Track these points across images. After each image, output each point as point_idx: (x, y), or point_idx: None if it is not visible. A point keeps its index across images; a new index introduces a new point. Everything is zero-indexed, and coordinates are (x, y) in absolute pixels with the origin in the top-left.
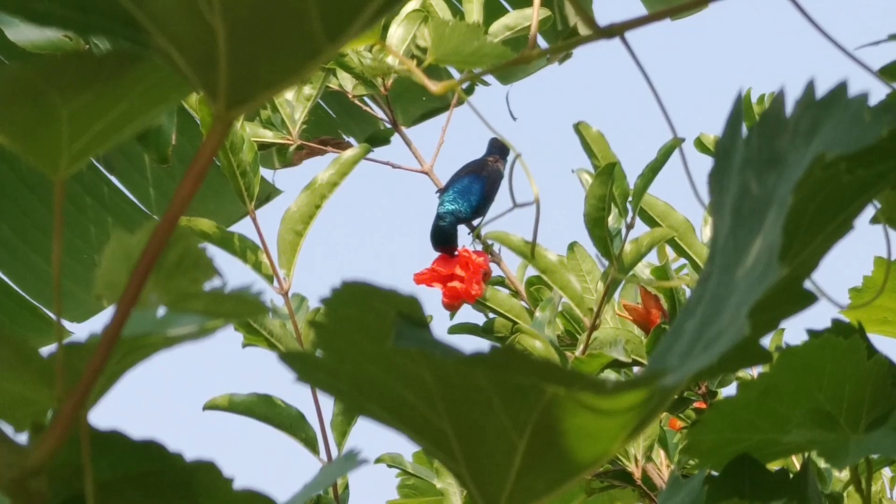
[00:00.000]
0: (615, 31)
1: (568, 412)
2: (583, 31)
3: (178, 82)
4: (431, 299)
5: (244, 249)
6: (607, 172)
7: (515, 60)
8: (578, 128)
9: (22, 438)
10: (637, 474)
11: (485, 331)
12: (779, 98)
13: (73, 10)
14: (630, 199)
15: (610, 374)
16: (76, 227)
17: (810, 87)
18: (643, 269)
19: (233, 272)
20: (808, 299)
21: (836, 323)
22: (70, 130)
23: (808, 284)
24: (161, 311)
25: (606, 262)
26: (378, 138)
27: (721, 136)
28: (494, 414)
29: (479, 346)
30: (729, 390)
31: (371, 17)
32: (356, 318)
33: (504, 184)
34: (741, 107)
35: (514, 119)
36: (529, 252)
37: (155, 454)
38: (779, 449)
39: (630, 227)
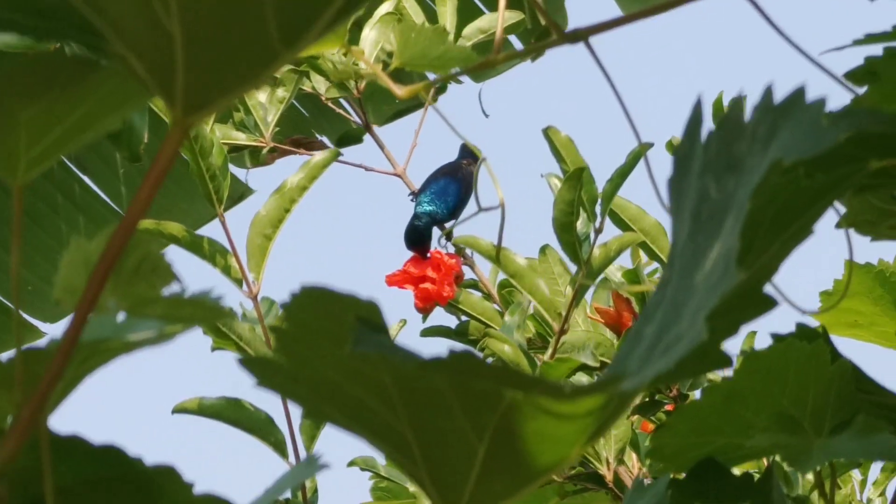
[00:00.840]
0: (580, 35)
1: (527, 416)
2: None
3: (137, 88)
4: (404, 301)
5: (213, 253)
6: (576, 177)
7: (481, 65)
8: (547, 132)
9: None
10: (609, 477)
11: (457, 333)
12: (737, 103)
13: (31, 17)
14: (599, 203)
15: (581, 378)
16: (48, 227)
17: (768, 93)
18: (615, 272)
19: (204, 275)
20: (768, 304)
21: (801, 327)
22: (28, 136)
23: (770, 289)
24: (121, 316)
25: (576, 267)
26: (350, 137)
27: (680, 142)
28: (454, 418)
29: (439, 351)
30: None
31: (327, 24)
32: (316, 323)
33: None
34: (700, 112)
35: (487, 116)
36: (516, 260)
37: (115, 459)
38: (743, 453)
39: (599, 231)
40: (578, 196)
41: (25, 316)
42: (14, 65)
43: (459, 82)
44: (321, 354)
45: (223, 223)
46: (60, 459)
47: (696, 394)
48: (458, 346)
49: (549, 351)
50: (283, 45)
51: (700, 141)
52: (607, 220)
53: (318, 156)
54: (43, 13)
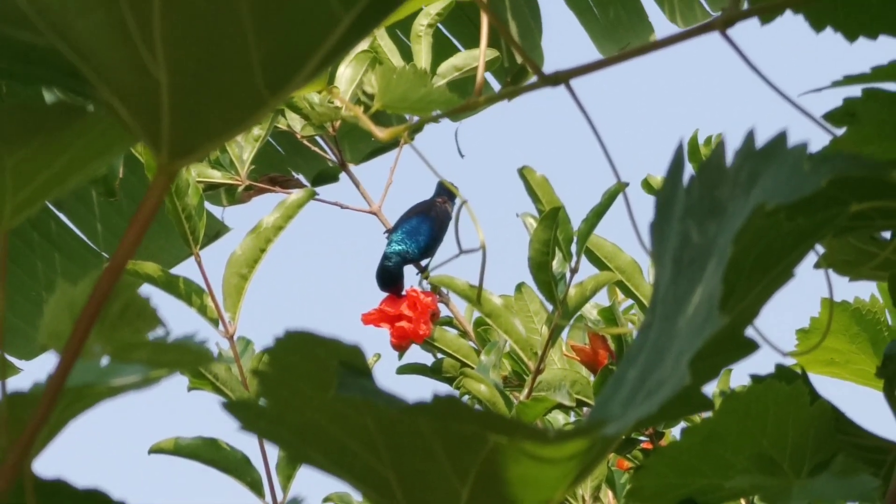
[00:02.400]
0: (560, 78)
1: (510, 460)
2: (531, 68)
3: (122, 133)
4: (380, 339)
5: (189, 293)
6: (551, 217)
7: (461, 108)
8: (523, 172)
9: None
10: None
11: (433, 371)
12: (719, 147)
13: (17, 63)
14: (574, 243)
15: (558, 415)
16: (23, 264)
17: (750, 137)
18: (591, 310)
19: (179, 313)
20: (749, 347)
21: (780, 368)
22: (14, 181)
23: (750, 331)
24: (105, 360)
25: (552, 306)
26: (326, 176)
27: (662, 186)
28: (437, 461)
29: (422, 393)
30: (677, 430)
31: (312, 71)
32: (299, 367)
33: (452, 225)
34: (682, 156)
35: (462, 156)
36: (475, 297)
37: (99, 502)
38: (723, 494)
39: (574, 271)
40: (554, 235)
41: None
42: (1, 111)
43: (436, 121)
44: (304, 398)
45: (199, 263)
46: (45, 503)
47: (673, 431)
48: (442, 389)
49: (526, 390)
50: (269, 92)
51: (682, 185)
52: (583, 259)
53: (294, 196)
54: (30, 59)
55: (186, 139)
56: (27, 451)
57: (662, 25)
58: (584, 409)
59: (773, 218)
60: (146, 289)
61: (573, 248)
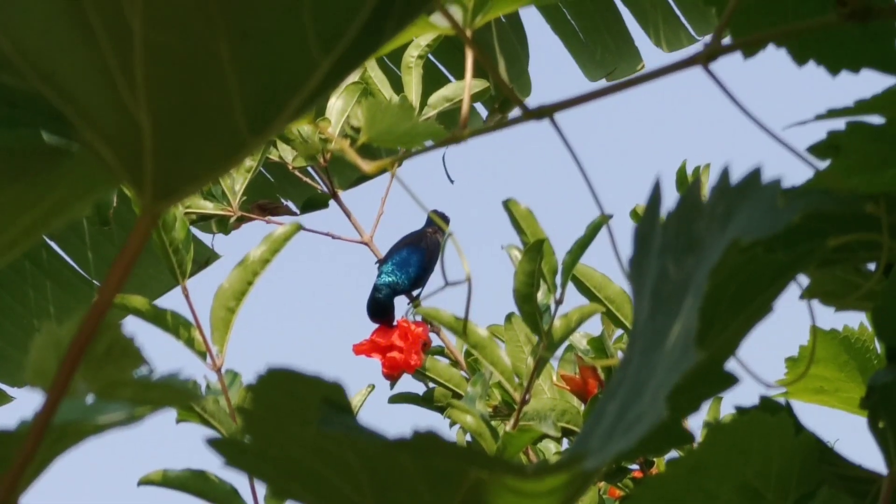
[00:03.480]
0: (544, 112)
1: (492, 494)
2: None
3: (106, 175)
4: (372, 369)
5: (177, 326)
6: (536, 249)
7: (447, 140)
8: (508, 205)
9: None
10: None
11: (425, 400)
12: (695, 183)
13: (0, 106)
14: (559, 274)
15: (549, 444)
16: (15, 292)
17: (725, 173)
18: (580, 340)
19: (166, 344)
20: (729, 381)
21: (764, 400)
22: None
23: (734, 362)
24: (90, 398)
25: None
26: (316, 202)
27: (640, 221)
28: (419, 495)
29: (415, 421)
30: (670, 456)
31: (294, 113)
32: (281, 404)
33: (440, 257)
34: (659, 192)
35: (452, 182)
36: (461, 329)
37: None
38: None
39: (559, 302)
40: (538, 267)
41: None
42: None
43: (421, 153)
44: (287, 434)
45: (186, 296)
46: None
47: (667, 458)
48: (424, 423)
49: (512, 421)
50: (251, 134)
51: (659, 220)
52: (571, 288)
53: (281, 229)
54: (13, 102)
55: (169, 180)
56: (13, 489)
57: (649, 51)
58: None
59: (752, 252)
60: (134, 322)
61: (558, 279)
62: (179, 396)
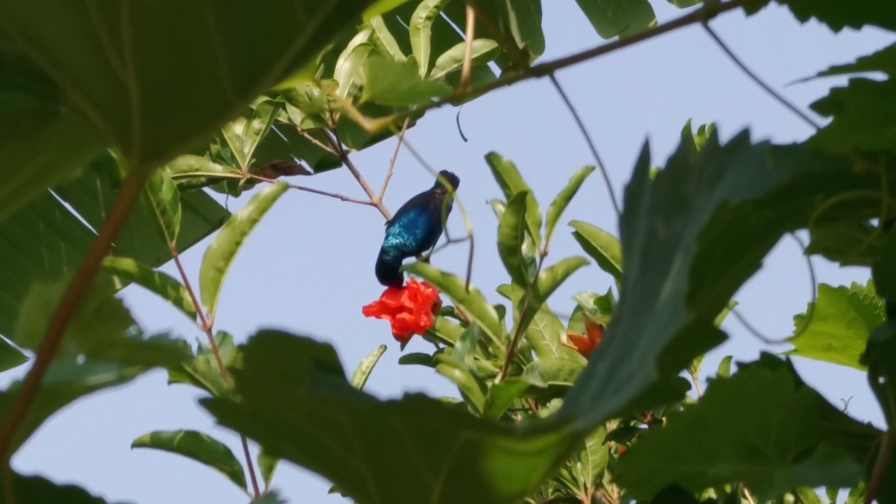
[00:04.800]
0: (545, 70)
1: (482, 454)
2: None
3: (94, 137)
4: (383, 330)
5: (165, 287)
6: (519, 201)
7: (449, 99)
8: (490, 158)
9: None
10: (586, 502)
11: (435, 361)
12: (684, 143)
13: None
14: (543, 226)
15: (558, 403)
16: (29, 253)
17: (714, 133)
18: (588, 300)
19: (165, 309)
20: (719, 337)
21: (765, 355)
22: None
23: (735, 319)
24: (80, 359)
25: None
26: (328, 162)
27: (629, 181)
28: (410, 456)
29: (427, 382)
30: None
31: (280, 75)
32: (272, 365)
33: (451, 216)
34: (648, 152)
35: (465, 140)
36: (447, 284)
37: (77, 498)
38: (706, 480)
39: (544, 255)
40: (522, 220)
41: (8, 342)
42: None
43: (437, 106)
44: (278, 395)
45: (175, 258)
46: (23, 500)
47: None
48: (427, 385)
49: (500, 374)
50: (237, 96)
51: (648, 180)
52: (562, 241)
53: (267, 189)
54: (1, 65)
55: (157, 143)
56: (5, 450)
57: (662, 7)
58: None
59: (741, 210)
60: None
61: (542, 231)
62: (169, 357)
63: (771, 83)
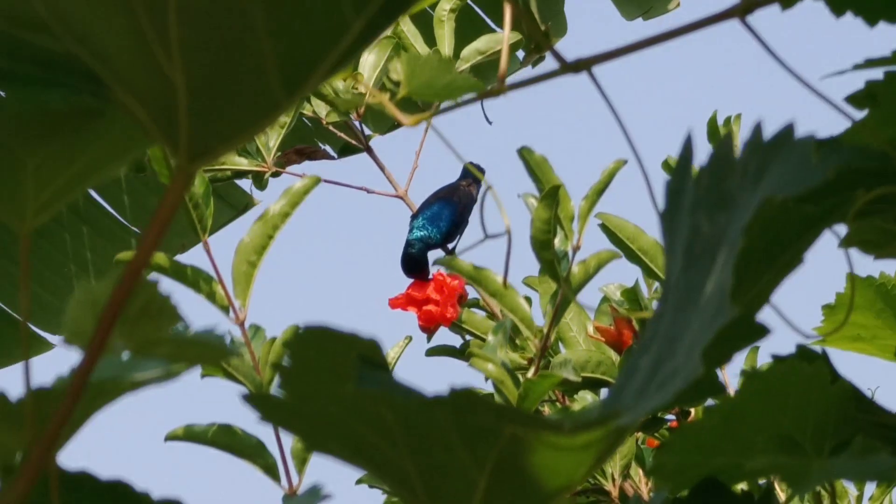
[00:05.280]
0: (582, 65)
1: (527, 449)
2: (555, 38)
3: (141, 134)
4: (409, 322)
5: (197, 280)
6: (551, 195)
7: (485, 94)
8: (522, 153)
9: None
10: (614, 493)
11: (461, 353)
12: (727, 139)
13: (35, 67)
14: (576, 220)
15: (586, 395)
16: (52, 238)
17: (758, 129)
18: (615, 292)
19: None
20: (760, 332)
21: (801, 348)
22: (36, 183)
23: (770, 311)
24: (125, 355)
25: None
26: (352, 148)
27: (671, 177)
28: (455, 452)
29: (451, 372)
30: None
31: (327, 72)
32: (318, 362)
33: (477, 209)
34: (691, 148)
35: (490, 123)
36: (479, 278)
37: (122, 494)
38: (743, 473)
39: (577, 248)
40: (555, 214)
41: (34, 328)
42: (23, 114)
43: (474, 102)
44: (323, 391)
45: (208, 251)
46: (69, 496)
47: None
48: (459, 376)
49: (532, 368)
50: (285, 94)
51: (691, 177)
52: (593, 235)
53: (300, 183)
54: (48, 63)
55: (203, 140)
56: (52, 447)
57: None
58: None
59: (783, 205)
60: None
61: (575, 225)
62: (216, 353)
63: (806, 77)
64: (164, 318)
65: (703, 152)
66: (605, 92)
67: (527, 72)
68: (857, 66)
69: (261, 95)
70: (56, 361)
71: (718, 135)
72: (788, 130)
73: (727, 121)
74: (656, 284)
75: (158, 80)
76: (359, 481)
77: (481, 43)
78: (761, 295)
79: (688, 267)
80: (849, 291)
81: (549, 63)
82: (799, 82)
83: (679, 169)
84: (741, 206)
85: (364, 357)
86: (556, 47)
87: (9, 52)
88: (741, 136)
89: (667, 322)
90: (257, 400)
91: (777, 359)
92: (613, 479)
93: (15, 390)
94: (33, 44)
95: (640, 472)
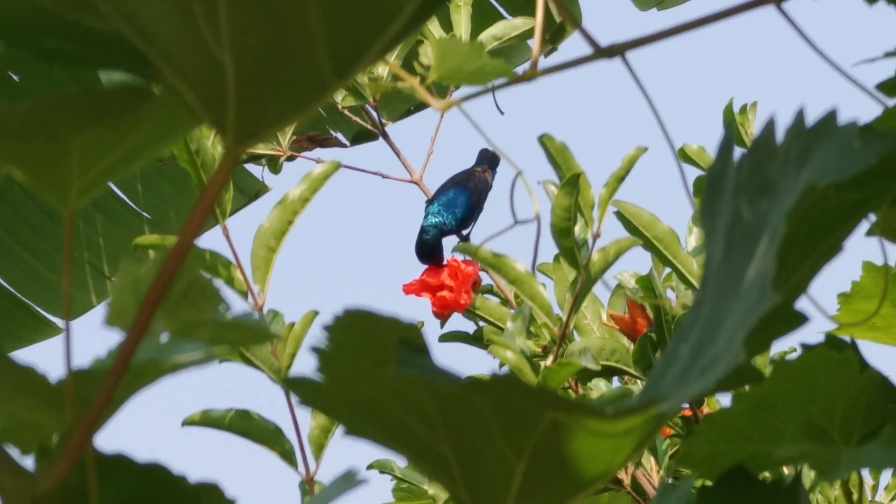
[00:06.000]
0: (616, 51)
1: (567, 436)
2: (570, 29)
3: (186, 117)
4: (422, 308)
5: (216, 265)
6: (572, 183)
7: (518, 80)
8: (543, 140)
9: (28, 461)
10: (626, 481)
11: (475, 339)
12: (769, 125)
13: (82, 47)
14: (596, 208)
15: (599, 382)
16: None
17: (800, 115)
18: (629, 279)
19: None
20: (799, 320)
21: (830, 337)
22: (80, 164)
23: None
24: (164, 337)
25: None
26: (366, 135)
27: (713, 164)
28: (493, 438)
29: (462, 356)
30: (719, 396)
31: (377, 55)
32: (357, 345)
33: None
34: (731, 134)
35: (502, 113)
36: (499, 265)
37: (160, 477)
38: (772, 461)
39: (597, 236)
40: (575, 202)
41: (43, 312)
42: (67, 96)
43: (503, 87)
44: (362, 375)
45: (227, 235)
46: (106, 478)
47: (716, 397)
48: (472, 362)
49: (551, 356)
50: (335, 75)
51: (732, 163)
52: (612, 223)
53: (319, 167)
54: (94, 43)
55: (252, 123)
56: (92, 429)
57: None
58: (626, 377)
59: (823, 192)
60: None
61: (595, 213)
62: (257, 336)
63: (839, 63)
64: (206, 301)
65: (717, 140)
66: (639, 78)
67: (558, 56)
68: (889, 54)
69: (310, 78)
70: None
71: (734, 122)
72: (831, 116)
73: (743, 108)
74: (667, 271)
75: (207, 61)
76: (370, 466)
77: (497, 29)
78: (801, 283)
79: (728, 254)
80: (867, 279)
81: (582, 47)
82: (833, 69)
83: (720, 156)
84: (783, 192)
85: (405, 341)
86: (588, 32)
87: (56, 32)
88: (756, 125)
89: (706, 309)
90: (297, 384)
91: (806, 347)
92: (626, 468)
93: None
94: (80, 23)
95: (653, 459)
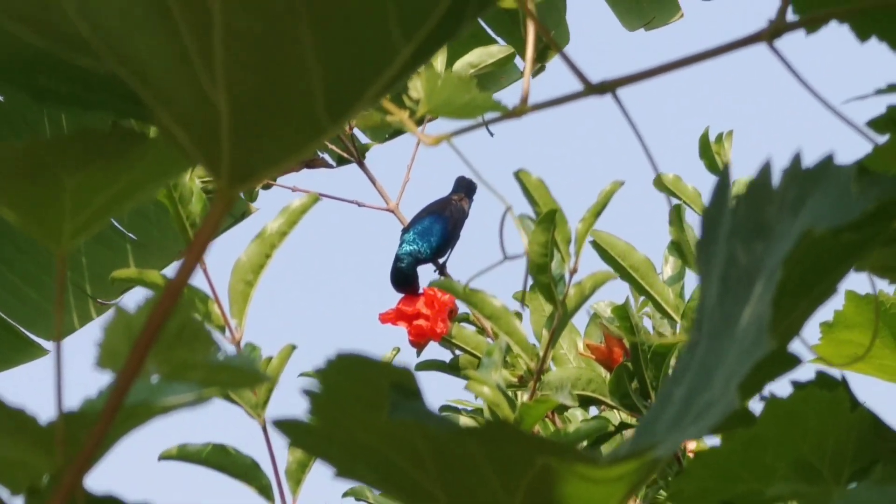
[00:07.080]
0: (607, 87)
1: (559, 480)
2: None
3: (180, 158)
4: (398, 337)
5: (193, 299)
6: (548, 219)
7: (508, 115)
8: (519, 176)
9: (17, 502)
10: None
11: (451, 367)
12: (766, 168)
13: (76, 87)
14: (573, 243)
15: (576, 412)
16: None
17: (797, 159)
18: (605, 309)
19: None
20: (793, 362)
21: (820, 375)
22: (73, 203)
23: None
24: (154, 378)
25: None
26: (347, 159)
27: (708, 205)
28: (486, 480)
29: (437, 384)
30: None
31: (373, 98)
32: (349, 388)
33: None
34: (728, 177)
35: (492, 135)
36: (474, 300)
37: None
38: (762, 500)
39: (573, 272)
40: (552, 237)
41: (28, 333)
42: (62, 136)
43: (494, 122)
44: (353, 418)
45: (204, 270)
46: None
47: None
48: (448, 390)
49: (528, 392)
50: (330, 119)
51: (728, 205)
52: (587, 256)
53: (298, 201)
54: (88, 84)
55: (246, 165)
56: (83, 471)
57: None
58: (602, 406)
59: (819, 234)
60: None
61: (571, 248)
62: (248, 378)
63: (829, 101)
64: (198, 343)
65: (698, 172)
66: (629, 114)
67: (547, 87)
68: (879, 91)
69: (305, 120)
70: (49, 367)
71: (710, 151)
72: (828, 160)
73: (719, 137)
74: (641, 299)
75: (201, 102)
76: (345, 494)
77: (474, 56)
78: (794, 325)
79: (723, 296)
80: (849, 309)
81: (573, 83)
82: (824, 106)
83: (716, 197)
84: (779, 236)
85: (397, 385)
86: (579, 68)
87: (51, 72)
88: (731, 154)
89: (701, 351)
90: (288, 426)
91: (797, 385)
92: None
93: (13, 397)
94: (75, 64)
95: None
